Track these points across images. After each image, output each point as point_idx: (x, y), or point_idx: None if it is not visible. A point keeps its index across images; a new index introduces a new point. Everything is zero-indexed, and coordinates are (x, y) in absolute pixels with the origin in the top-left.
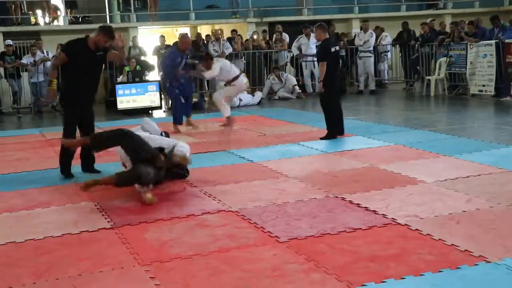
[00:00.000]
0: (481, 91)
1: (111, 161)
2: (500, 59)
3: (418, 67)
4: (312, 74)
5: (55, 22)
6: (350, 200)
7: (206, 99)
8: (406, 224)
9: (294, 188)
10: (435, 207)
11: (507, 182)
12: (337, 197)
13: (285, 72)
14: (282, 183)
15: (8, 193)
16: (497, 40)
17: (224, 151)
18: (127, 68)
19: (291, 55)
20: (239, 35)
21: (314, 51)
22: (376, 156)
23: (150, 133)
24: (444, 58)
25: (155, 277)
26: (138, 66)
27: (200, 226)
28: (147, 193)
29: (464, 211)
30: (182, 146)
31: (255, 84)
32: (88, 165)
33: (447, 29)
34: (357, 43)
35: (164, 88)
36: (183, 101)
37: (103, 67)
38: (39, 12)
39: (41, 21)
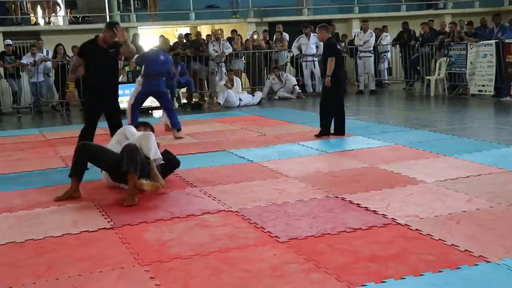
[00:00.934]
0: (481, 91)
1: None
2: (500, 59)
3: (418, 67)
4: (312, 74)
5: (55, 22)
6: (350, 200)
7: (206, 99)
8: (406, 224)
9: (294, 188)
10: (435, 207)
11: (507, 182)
12: (337, 197)
13: (285, 72)
14: (282, 183)
15: (8, 193)
16: (497, 40)
17: (224, 151)
18: (127, 68)
19: (291, 55)
20: (239, 35)
21: (314, 51)
22: (376, 156)
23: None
24: (444, 58)
25: (155, 277)
26: (138, 66)
27: (200, 226)
28: (142, 181)
29: (464, 211)
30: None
31: (255, 84)
32: None
33: (447, 29)
34: (357, 43)
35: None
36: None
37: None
38: (39, 11)
39: (41, 21)
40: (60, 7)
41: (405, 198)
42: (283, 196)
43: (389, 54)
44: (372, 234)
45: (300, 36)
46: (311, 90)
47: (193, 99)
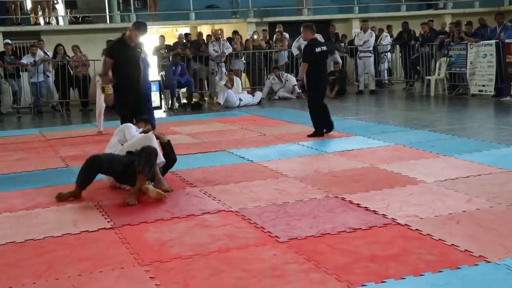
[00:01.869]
0: (481, 91)
1: None
2: (500, 59)
3: (418, 67)
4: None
5: (55, 22)
6: (350, 200)
7: (206, 99)
8: (406, 224)
9: (294, 188)
10: (435, 207)
11: (507, 182)
12: (337, 197)
13: (285, 72)
14: (282, 183)
15: (8, 193)
16: (497, 40)
17: (224, 151)
18: None
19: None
20: (239, 35)
21: None
22: (376, 156)
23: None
24: (444, 58)
25: (155, 277)
26: None
27: (200, 226)
28: (148, 186)
29: (464, 211)
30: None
31: (255, 84)
32: None
33: (446, 29)
34: (356, 43)
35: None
36: None
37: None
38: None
39: (41, 21)
40: (58, 1)
41: (405, 198)
42: (283, 196)
43: (389, 54)
44: (372, 234)
45: (300, 36)
46: None
47: (193, 99)
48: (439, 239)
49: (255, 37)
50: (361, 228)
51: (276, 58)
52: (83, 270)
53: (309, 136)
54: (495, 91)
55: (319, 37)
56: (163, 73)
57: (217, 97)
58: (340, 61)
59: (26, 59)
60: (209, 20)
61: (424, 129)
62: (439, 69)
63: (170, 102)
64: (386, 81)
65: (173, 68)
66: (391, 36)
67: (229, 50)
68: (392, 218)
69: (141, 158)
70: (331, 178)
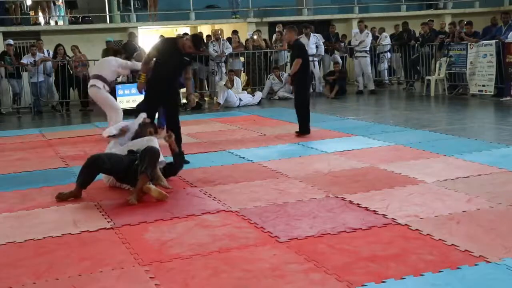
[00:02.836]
0: (481, 91)
1: None
2: (500, 59)
3: (418, 67)
4: (312, 74)
5: (55, 22)
6: (350, 200)
7: (206, 99)
8: (406, 224)
9: (294, 188)
10: (435, 207)
11: (507, 182)
12: (337, 197)
13: (285, 72)
14: (282, 183)
15: (8, 193)
16: (497, 40)
17: (224, 151)
18: None
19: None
20: (237, 35)
21: (314, 51)
22: (376, 156)
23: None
24: (444, 58)
25: (155, 277)
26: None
27: (200, 226)
28: (150, 186)
29: (464, 211)
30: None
31: (255, 84)
32: None
33: (446, 29)
34: (353, 43)
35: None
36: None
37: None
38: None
39: (41, 21)
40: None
41: (405, 198)
42: (283, 196)
43: (389, 54)
44: (372, 234)
45: (300, 36)
46: (311, 90)
47: None
48: (439, 239)
49: (255, 37)
50: (361, 228)
51: (276, 58)
52: (83, 270)
53: (297, 132)
54: (495, 91)
55: (319, 37)
56: None
57: (217, 97)
58: (340, 61)
59: (26, 59)
60: (209, 20)
61: (424, 129)
62: (439, 69)
63: None
64: (387, 81)
65: None
66: (392, 37)
67: (229, 50)
68: (392, 218)
69: (144, 158)
70: (331, 178)
